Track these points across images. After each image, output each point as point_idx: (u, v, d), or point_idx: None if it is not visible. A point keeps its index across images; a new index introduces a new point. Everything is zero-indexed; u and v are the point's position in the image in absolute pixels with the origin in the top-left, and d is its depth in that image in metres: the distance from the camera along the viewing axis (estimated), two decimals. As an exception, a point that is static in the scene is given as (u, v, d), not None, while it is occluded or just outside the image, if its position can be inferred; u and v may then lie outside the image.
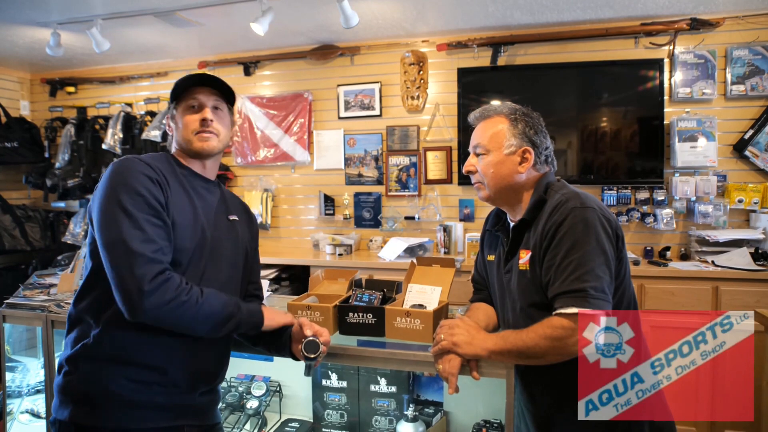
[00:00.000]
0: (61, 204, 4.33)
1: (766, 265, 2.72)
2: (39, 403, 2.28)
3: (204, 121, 1.35)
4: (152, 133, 3.80)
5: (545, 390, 1.39)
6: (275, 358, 1.63)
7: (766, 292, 2.61)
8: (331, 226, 3.83)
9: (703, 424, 2.65)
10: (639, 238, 3.26)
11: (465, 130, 3.38)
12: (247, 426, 2.00)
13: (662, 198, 3.17)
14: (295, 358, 1.43)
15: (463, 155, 2.54)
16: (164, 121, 2.61)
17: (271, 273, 3.30)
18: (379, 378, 1.87)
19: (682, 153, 3.08)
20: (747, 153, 3.07)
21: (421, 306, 1.57)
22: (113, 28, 3.23)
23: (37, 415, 2.26)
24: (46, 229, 4.12)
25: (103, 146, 3.91)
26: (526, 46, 3.39)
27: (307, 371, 1.39)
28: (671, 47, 3.15)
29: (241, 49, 3.87)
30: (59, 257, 2.84)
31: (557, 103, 3.32)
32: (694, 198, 3.10)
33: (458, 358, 1.31)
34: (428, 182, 3.61)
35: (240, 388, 2.08)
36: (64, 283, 2.21)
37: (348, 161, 3.78)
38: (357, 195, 3.74)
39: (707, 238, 2.95)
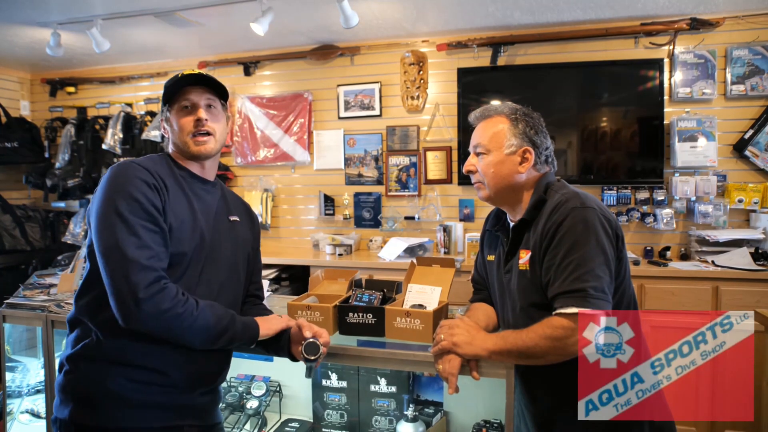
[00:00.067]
0: (61, 204, 4.33)
1: (766, 265, 2.72)
2: (39, 403, 2.28)
3: (199, 122, 1.34)
4: (152, 134, 3.80)
5: (545, 390, 1.39)
6: (275, 358, 1.63)
7: (766, 292, 2.61)
8: (331, 226, 3.83)
9: (703, 424, 2.64)
10: (639, 238, 3.26)
11: (465, 130, 3.38)
12: (247, 426, 2.00)
13: (662, 198, 3.17)
14: (295, 360, 1.42)
15: (463, 155, 2.54)
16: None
17: (271, 273, 3.29)
18: (379, 378, 1.86)
19: (682, 153, 3.08)
20: (747, 153, 3.07)
21: (421, 306, 1.57)
22: (113, 28, 3.23)
23: (37, 415, 2.26)
24: (46, 229, 4.12)
25: (103, 146, 3.91)
26: (526, 46, 3.39)
27: (308, 373, 1.39)
28: (671, 47, 3.15)
29: (241, 49, 3.87)
30: (59, 257, 2.84)
31: (557, 103, 3.32)
32: (694, 198, 3.10)
33: (458, 358, 1.31)
34: (428, 182, 3.61)
35: (240, 388, 2.08)
36: (64, 283, 2.21)
37: (348, 161, 3.78)
38: (357, 195, 3.74)
39: (707, 238, 2.95)
